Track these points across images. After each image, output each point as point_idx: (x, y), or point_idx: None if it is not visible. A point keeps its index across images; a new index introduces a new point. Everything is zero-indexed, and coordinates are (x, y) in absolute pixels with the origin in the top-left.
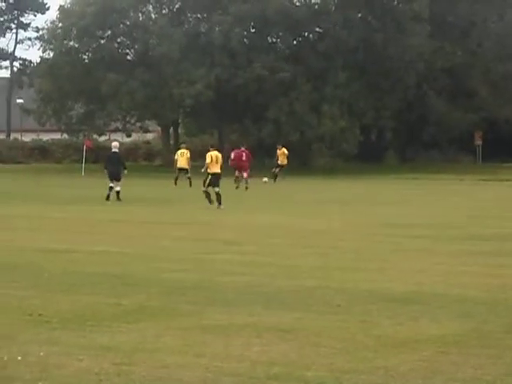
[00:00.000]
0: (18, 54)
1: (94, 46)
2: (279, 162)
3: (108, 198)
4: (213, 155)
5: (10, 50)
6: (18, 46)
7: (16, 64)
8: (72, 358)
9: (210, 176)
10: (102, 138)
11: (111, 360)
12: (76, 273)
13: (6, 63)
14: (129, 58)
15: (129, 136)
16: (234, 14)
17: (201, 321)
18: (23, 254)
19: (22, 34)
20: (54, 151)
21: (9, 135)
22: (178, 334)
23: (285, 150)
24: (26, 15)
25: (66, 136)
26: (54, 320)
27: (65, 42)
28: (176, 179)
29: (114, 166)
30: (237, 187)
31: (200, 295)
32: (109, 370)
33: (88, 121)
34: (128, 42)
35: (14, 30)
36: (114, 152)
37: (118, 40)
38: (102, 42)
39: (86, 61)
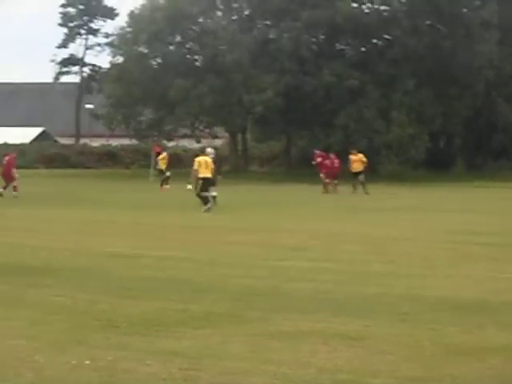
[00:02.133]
0: (87, 59)
1: (164, 51)
2: (353, 169)
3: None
4: (201, 160)
5: (80, 55)
6: (87, 51)
7: (86, 70)
8: (140, 363)
9: (200, 181)
10: (171, 144)
11: (178, 365)
12: (145, 278)
13: (76, 69)
14: (197, 63)
15: (198, 142)
16: (303, 21)
17: (268, 327)
18: (93, 258)
19: (91, 39)
20: (123, 156)
21: (78, 140)
22: (245, 340)
23: (362, 156)
24: (95, 21)
25: (134, 141)
26: (122, 325)
27: (134, 47)
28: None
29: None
30: (325, 192)
31: (267, 301)
32: (176, 376)
33: (157, 126)
34: (197, 48)
35: (84, 36)
36: (211, 158)
37: (187, 46)
38: (171, 47)
39: (155, 66)
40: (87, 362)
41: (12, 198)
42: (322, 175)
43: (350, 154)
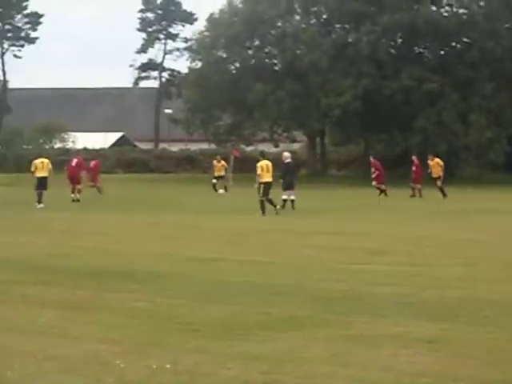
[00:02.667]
0: (166, 64)
1: (242, 55)
2: (433, 174)
3: (283, 207)
4: (263, 165)
5: (159, 60)
6: (166, 56)
7: (164, 74)
8: (221, 367)
9: (263, 185)
10: (249, 148)
11: (259, 369)
12: (224, 282)
13: (155, 74)
14: (276, 68)
15: (276, 146)
16: (382, 25)
17: (348, 331)
18: (173, 262)
19: (170, 44)
20: (202, 161)
21: (157, 145)
22: (326, 344)
23: (439, 161)
24: (174, 26)
25: (213, 146)
26: (202, 329)
27: (213, 51)
28: (214, 186)
29: (290, 175)
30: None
31: (347, 305)
32: (257, 379)
33: (235, 131)
34: (275, 52)
35: (163, 41)
36: (288, 162)
37: (266, 50)
38: (250, 51)
39: (234, 71)
40: (168, 365)
41: (79, 201)
42: (374, 182)
43: (428, 159)
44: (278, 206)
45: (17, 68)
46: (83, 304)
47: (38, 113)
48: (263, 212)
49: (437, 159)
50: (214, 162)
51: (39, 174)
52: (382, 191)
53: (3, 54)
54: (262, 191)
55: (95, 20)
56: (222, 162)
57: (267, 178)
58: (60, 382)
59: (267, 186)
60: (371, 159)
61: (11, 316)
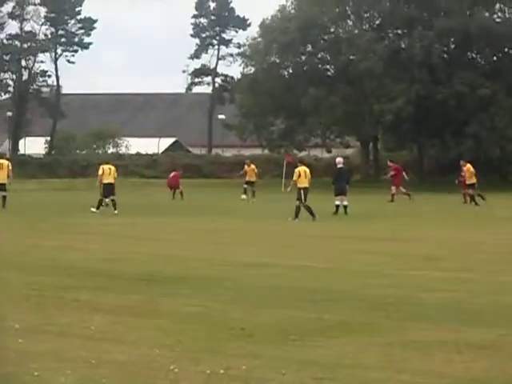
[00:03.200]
0: (219, 70)
1: (295, 61)
2: (467, 181)
3: (336, 212)
4: (301, 170)
5: (212, 66)
6: (219, 62)
7: (218, 80)
8: (274, 372)
9: (301, 191)
10: (302, 154)
11: (313, 374)
12: (277, 287)
13: (208, 79)
14: (329, 73)
15: (329, 152)
16: (436, 30)
17: (402, 337)
18: (226, 267)
19: (223, 50)
20: (256, 167)
21: (210, 150)
22: (380, 350)
23: (470, 167)
24: (227, 31)
25: (266, 151)
26: (255, 334)
27: (266, 57)
28: (245, 191)
29: (342, 181)
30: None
31: (401, 311)
32: None
33: (288, 136)
34: (328, 58)
35: (216, 47)
36: (340, 168)
37: (319, 55)
38: (303, 57)
39: (287, 76)
40: (222, 371)
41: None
42: (393, 187)
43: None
44: (316, 217)
45: (70, 73)
46: (137, 309)
47: (91, 118)
48: (296, 216)
49: (468, 165)
50: (245, 166)
51: (106, 180)
52: (407, 194)
53: (57, 59)
54: (298, 196)
55: (149, 25)
56: (252, 167)
57: (304, 183)
58: None
59: (304, 191)
60: (389, 163)
61: (65, 321)
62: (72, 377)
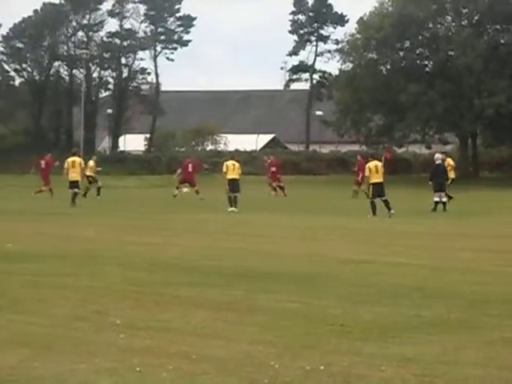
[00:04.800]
0: (317, 66)
1: (393, 57)
2: None
3: (435, 209)
4: (372, 166)
5: (310, 62)
6: (317, 58)
7: (315, 76)
8: (374, 369)
9: (372, 186)
10: (401, 150)
11: (412, 371)
12: (375, 284)
13: (306, 75)
14: (427, 69)
15: (428, 148)
16: None
17: (504, 334)
18: (323, 263)
19: (321, 46)
20: (354, 163)
21: (308, 147)
22: (480, 347)
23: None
24: (325, 28)
25: (364, 148)
26: (355, 330)
27: (364, 53)
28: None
29: (440, 177)
30: None
31: (502, 308)
32: (410, 382)
33: (387, 132)
34: (426, 54)
35: (314, 43)
36: (439, 164)
37: (417, 51)
38: (401, 53)
39: (385, 72)
40: (322, 367)
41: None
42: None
43: None
44: (392, 211)
45: (169, 71)
46: (236, 305)
47: (190, 115)
48: (374, 213)
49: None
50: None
51: (231, 176)
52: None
53: (156, 56)
54: (371, 192)
55: (247, 23)
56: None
57: (376, 178)
58: (214, 383)
59: (376, 186)
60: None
61: (165, 317)
62: (173, 372)
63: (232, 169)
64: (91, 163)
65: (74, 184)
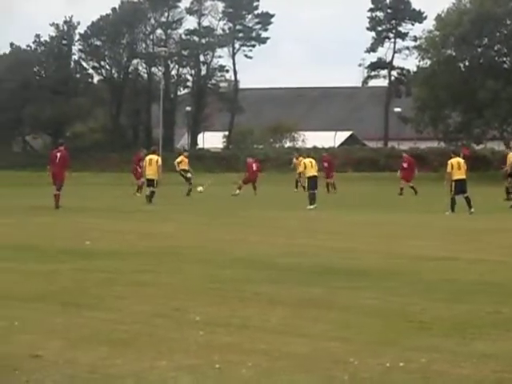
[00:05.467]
0: (395, 63)
1: (471, 54)
2: None
3: None
4: (454, 162)
5: (388, 59)
6: (395, 55)
7: (394, 73)
8: (453, 366)
9: (453, 183)
10: (479, 147)
11: (492, 368)
12: (454, 281)
13: (384, 72)
14: (505, 65)
15: (506, 145)
16: None
17: None
18: (402, 260)
19: (399, 43)
20: (432, 160)
21: (386, 144)
22: None
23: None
24: (403, 24)
25: (442, 144)
26: (434, 327)
27: (442, 50)
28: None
29: None
30: None
31: None
32: (490, 378)
33: (465, 129)
34: (505, 50)
35: (392, 40)
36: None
37: (495, 48)
38: (479, 50)
39: (463, 69)
40: (401, 363)
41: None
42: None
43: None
44: (472, 209)
45: (247, 68)
46: (315, 302)
47: (268, 112)
48: (452, 209)
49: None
50: (294, 159)
51: (310, 173)
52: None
53: (234, 54)
54: (453, 188)
55: (325, 20)
56: (301, 159)
57: (458, 175)
58: (294, 380)
59: (458, 183)
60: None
61: (245, 314)
62: (252, 369)
63: (311, 166)
64: (184, 159)
65: (150, 182)
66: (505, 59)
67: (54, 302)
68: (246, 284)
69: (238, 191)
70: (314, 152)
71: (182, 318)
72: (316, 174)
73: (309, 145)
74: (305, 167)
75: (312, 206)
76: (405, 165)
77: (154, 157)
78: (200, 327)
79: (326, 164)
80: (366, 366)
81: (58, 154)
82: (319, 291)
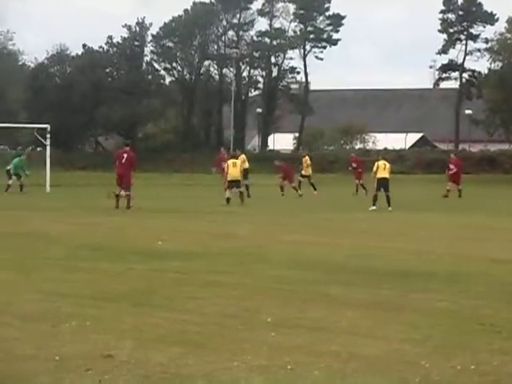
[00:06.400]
0: (467, 65)
1: None
2: None
3: None
4: None
5: (460, 61)
6: (467, 57)
7: (465, 75)
8: None
9: None
10: None
11: None
12: None
13: (456, 74)
14: None
15: None
16: None
17: None
18: (474, 263)
19: (471, 45)
20: (503, 162)
21: (457, 146)
22: None
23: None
24: (475, 26)
25: None
26: (505, 330)
27: None
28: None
29: None
30: None
31: None
32: None
33: None
34: None
35: (464, 42)
36: None
37: None
38: None
39: None
40: (472, 366)
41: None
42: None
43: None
44: None
45: (318, 69)
46: (386, 304)
47: (338, 114)
48: None
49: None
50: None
51: (380, 175)
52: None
53: (305, 55)
54: None
55: (396, 21)
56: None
57: None
58: (366, 382)
59: None
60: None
61: (316, 315)
62: (325, 371)
63: (383, 168)
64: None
65: (235, 183)
66: None
67: (126, 302)
68: (316, 285)
69: (299, 191)
70: (385, 154)
71: (253, 318)
72: (387, 176)
73: (380, 146)
74: (377, 168)
75: (374, 207)
76: (451, 166)
77: (237, 161)
78: (271, 328)
79: (354, 165)
80: (438, 368)
81: (125, 155)
82: (389, 293)
